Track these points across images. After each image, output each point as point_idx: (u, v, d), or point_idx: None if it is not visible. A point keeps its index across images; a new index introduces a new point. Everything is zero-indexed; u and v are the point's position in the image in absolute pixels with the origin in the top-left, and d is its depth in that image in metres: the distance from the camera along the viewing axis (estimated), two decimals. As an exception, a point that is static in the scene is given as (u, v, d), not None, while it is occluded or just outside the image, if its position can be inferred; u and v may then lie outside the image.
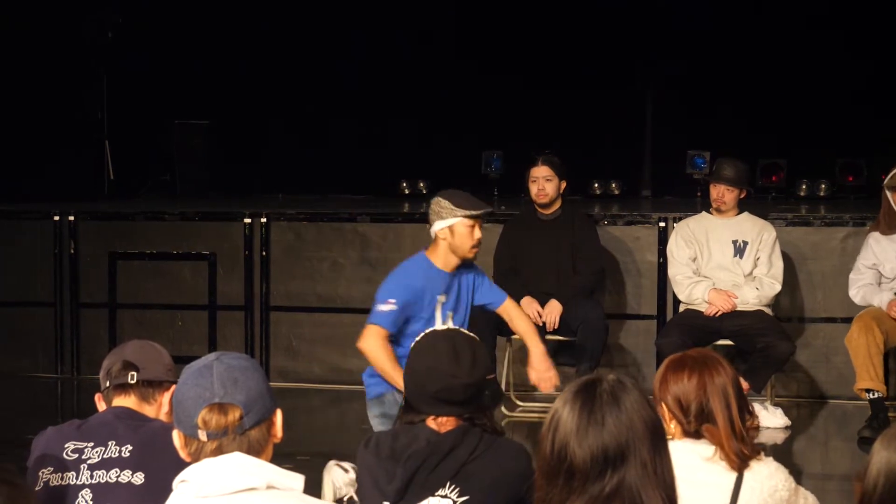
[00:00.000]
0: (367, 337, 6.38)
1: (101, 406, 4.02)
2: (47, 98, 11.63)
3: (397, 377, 6.11)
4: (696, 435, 3.80)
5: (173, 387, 3.98)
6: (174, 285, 10.18)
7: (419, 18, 12.80)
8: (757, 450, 3.82)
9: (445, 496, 3.87)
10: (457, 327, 4.33)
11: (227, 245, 10.11)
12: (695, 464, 3.76)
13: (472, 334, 4.08)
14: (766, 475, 3.80)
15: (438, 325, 6.08)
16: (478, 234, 6.40)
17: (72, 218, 10.29)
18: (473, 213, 6.38)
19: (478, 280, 6.62)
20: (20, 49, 11.45)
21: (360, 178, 12.20)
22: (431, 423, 3.95)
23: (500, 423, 7.73)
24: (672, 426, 3.81)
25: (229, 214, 10.22)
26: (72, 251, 10.29)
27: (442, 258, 6.44)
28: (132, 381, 3.96)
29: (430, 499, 3.87)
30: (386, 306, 6.36)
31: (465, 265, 6.50)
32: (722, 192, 8.71)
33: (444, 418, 3.94)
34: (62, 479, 3.81)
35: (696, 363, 3.82)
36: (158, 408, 4.01)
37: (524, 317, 6.95)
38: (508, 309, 6.80)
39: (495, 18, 12.74)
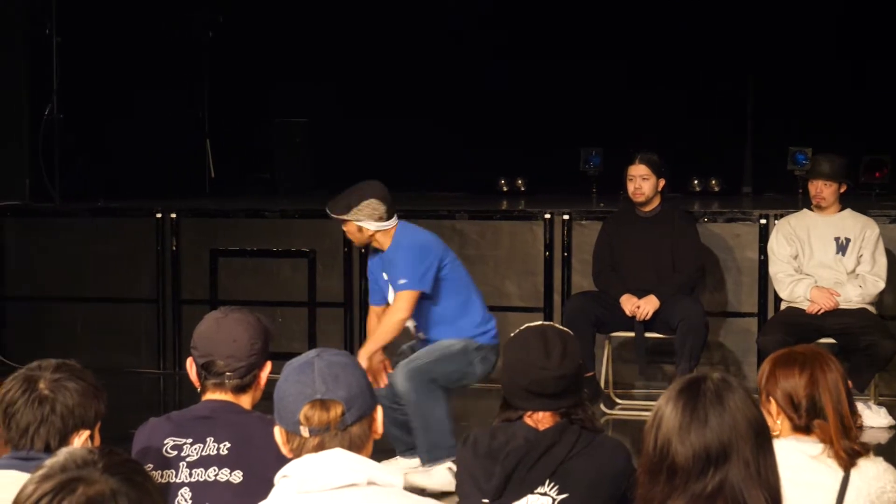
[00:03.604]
0: None
1: (193, 372, 4.01)
2: (150, 97, 11.76)
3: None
4: (805, 430, 3.77)
5: (268, 364, 3.99)
6: (274, 282, 10.25)
7: (519, 17, 12.79)
8: (866, 447, 3.78)
9: (545, 494, 3.85)
10: (550, 322, 4.32)
11: (327, 242, 10.16)
12: (801, 463, 3.72)
13: (564, 328, 4.08)
14: (873, 476, 3.76)
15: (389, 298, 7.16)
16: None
17: (174, 215, 10.40)
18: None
19: (395, 261, 7.16)
20: (123, 49, 11.59)
21: (458, 176, 12.20)
22: (529, 420, 3.94)
23: (599, 420, 7.71)
24: (779, 422, 3.79)
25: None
26: (174, 248, 10.40)
27: None
28: (228, 382, 3.96)
29: (530, 496, 3.86)
30: None
31: (391, 247, 7.15)
32: (820, 188, 8.61)
33: (541, 414, 3.93)
34: (162, 476, 3.82)
35: (806, 359, 3.80)
36: (255, 389, 4.01)
37: (386, 316, 7.18)
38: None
39: (596, 15, 12.69)
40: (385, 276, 7.21)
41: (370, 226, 7.08)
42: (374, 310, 7.40)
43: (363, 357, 6.97)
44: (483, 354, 7.18)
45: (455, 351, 7.12)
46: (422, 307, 7.14)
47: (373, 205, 7.06)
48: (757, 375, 3.98)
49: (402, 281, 7.05)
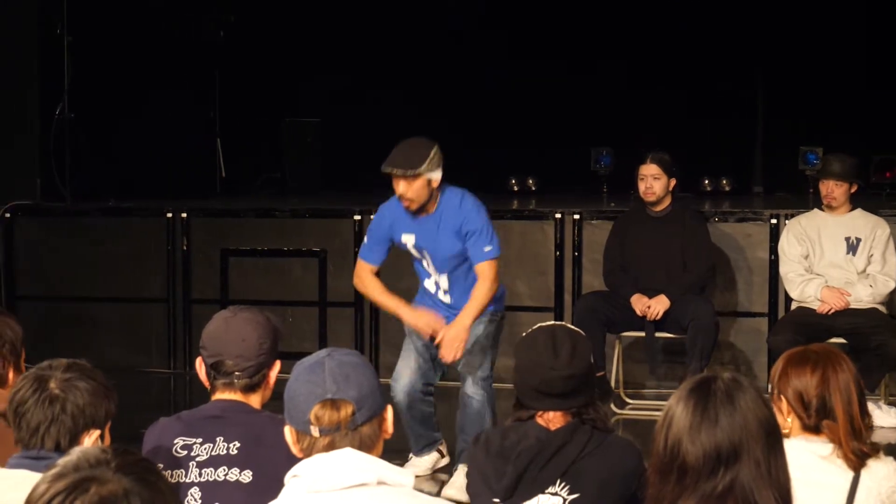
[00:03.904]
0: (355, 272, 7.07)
1: (202, 372, 4.01)
2: (161, 97, 11.77)
3: (389, 304, 7.03)
4: (815, 429, 3.77)
5: (277, 363, 4.00)
6: (284, 282, 10.25)
7: (527, 18, 12.79)
8: (876, 448, 3.77)
9: (556, 493, 3.86)
10: (561, 322, 4.33)
11: (338, 242, 10.17)
12: (811, 463, 3.72)
13: (575, 328, 4.08)
14: (883, 476, 3.75)
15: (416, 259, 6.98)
16: (400, 188, 6.69)
17: (184, 215, 10.41)
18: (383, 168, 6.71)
19: (467, 229, 6.80)
20: (135, 48, 11.59)
21: (468, 175, 12.17)
22: (540, 420, 3.94)
23: (610, 420, 7.71)
24: (789, 420, 3.78)
25: (339, 211, 10.27)
26: (184, 248, 10.41)
27: None
28: (237, 381, 3.97)
29: (540, 496, 3.86)
30: (365, 239, 7.08)
31: (442, 206, 6.80)
32: (831, 188, 8.59)
33: (553, 414, 3.93)
34: (172, 476, 3.83)
35: (819, 358, 3.79)
36: (265, 389, 4.01)
37: (477, 288, 6.83)
38: (477, 272, 6.82)
39: (606, 15, 12.69)
40: (419, 248, 6.91)
41: (438, 175, 6.73)
42: (367, 266, 7.06)
43: (465, 328, 6.72)
44: (501, 321, 7.15)
45: (492, 332, 7.05)
46: (457, 274, 6.95)
47: (438, 153, 6.75)
48: (767, 375, 3.98)
49: (487, 248, 6.74)
